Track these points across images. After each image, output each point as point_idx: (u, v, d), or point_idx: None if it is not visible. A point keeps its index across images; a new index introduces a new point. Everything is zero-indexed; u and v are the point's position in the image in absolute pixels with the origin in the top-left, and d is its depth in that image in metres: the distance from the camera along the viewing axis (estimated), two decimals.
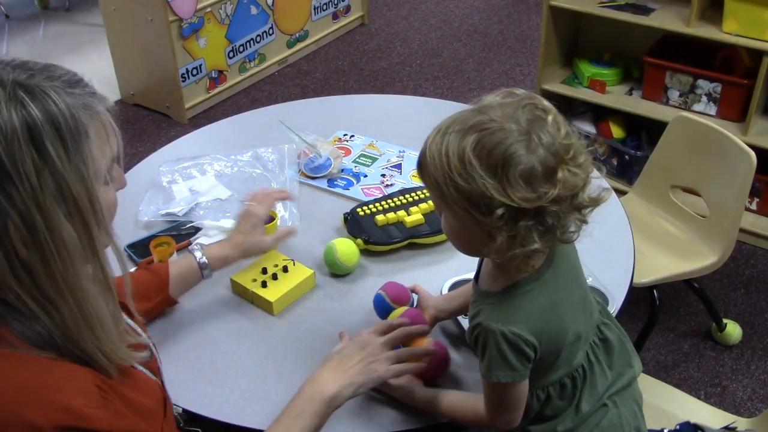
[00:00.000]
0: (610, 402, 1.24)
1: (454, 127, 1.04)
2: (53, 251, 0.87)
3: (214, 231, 1.67)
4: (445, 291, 1.49)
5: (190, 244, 1.66)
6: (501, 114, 1.03)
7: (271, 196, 1.60)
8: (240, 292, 1.53)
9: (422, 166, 1.08)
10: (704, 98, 2.75)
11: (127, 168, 1.95)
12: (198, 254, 1.45)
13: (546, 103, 1.06)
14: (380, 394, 1.29)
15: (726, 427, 1.55)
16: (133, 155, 2.10)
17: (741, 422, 1.66)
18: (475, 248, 1.13)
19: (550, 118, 1.03)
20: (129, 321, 1.09)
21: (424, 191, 1.73)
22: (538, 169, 1.00)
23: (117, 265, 0.98)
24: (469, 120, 1.03)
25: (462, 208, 1.04)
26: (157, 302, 1.41)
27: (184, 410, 1.28)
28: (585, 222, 1.08)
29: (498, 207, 1.00)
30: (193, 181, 1.86)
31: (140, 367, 1.04)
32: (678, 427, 1.52)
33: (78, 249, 0.89)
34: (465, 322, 1.41)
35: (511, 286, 1.12)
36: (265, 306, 1.49)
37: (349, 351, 1.24)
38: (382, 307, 1.42)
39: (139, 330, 1.11)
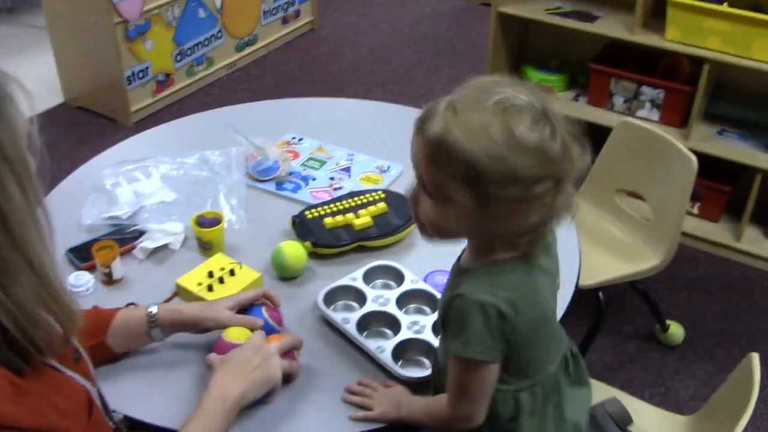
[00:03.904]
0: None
1: (469, 105, 1.03)
2: (7, 214, 0.89)
3: (159, 234, 1.64)
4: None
5: (134, 248, 1.63)
6: (518, 91, 1.03)
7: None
8: (185, 296, 1.50)
9: (443, 149, 1.02)
10: (648, 104, 2.81)
11: (69, 172, 1.91)
12: (153, 309, 1.35)
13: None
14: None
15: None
16: (77, 160, 2.05)
17: (681, 420, 1.69)
18: (479, 232, 1.11)
19: (552, 97, 1.07)
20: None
21: (373, 194, 1.73)
22: (563, 146, 1.04)
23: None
24: (486, 98, 1.02)
25: (500, 186, 1.02)
26: (92, 347, 1.21)
27: (125, 416, 1.25)
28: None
29: (538, 182, 1.02)
30: (138, 184, 1.82)
31: (68, 372, 1.02)
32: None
33: (25, 210, 0.91)
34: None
35: (493, 262, 1.11)
36: None
37: (245, 355, 1.26)
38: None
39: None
